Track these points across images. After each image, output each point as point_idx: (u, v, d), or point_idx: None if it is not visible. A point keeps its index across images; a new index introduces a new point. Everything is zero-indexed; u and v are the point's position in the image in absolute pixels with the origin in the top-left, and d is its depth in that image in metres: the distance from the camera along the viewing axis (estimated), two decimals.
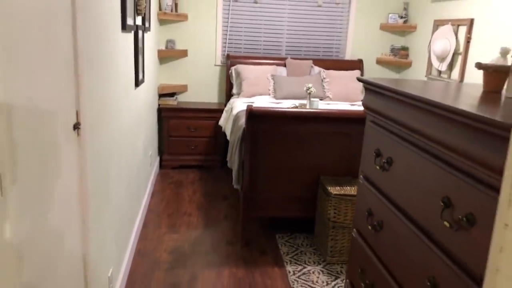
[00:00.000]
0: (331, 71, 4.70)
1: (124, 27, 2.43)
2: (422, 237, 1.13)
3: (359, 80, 1.60)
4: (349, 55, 5.04)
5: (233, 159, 3.23)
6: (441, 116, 1.03)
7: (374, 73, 5.12)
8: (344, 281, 2.62)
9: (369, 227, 1.45)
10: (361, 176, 1.61)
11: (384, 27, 5.00)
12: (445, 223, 1.00)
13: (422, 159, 1.15)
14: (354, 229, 1.67)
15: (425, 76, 4.48)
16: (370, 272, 1.47)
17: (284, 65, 4.74)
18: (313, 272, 2.80)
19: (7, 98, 0.95)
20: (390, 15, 4.95)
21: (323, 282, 2.69)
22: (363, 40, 5.02)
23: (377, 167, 1.41)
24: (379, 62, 5.09)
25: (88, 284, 1.71)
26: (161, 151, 4.66)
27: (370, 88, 1.49)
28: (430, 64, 4.36)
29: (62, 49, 1.35)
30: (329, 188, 2.86)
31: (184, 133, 4.59)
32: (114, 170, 2.24)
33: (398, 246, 1.27)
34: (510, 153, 0.65)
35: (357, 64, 4.94)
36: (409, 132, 1.22)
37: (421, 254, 1.13)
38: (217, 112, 4.53)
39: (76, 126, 1.46)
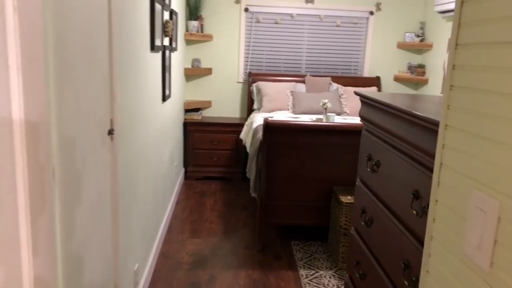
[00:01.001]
0: (349, 88, 4.89)
1: (153, 47, 2.71)
2: (399, 226, 1.31)
3: (355, 93, 1.80)
4: (367, 73, 5.23)
5: (251, 169, 3.45)
6: (406, 119, 1.24)
7: (391, 89, 5.28)
8: None
9: (362, 223, 1.63)
10: (358, 179, 1.80)
11: (401, 46, 5.17)
12: (413, 211, 1.18)
13: (399, 159, 1.34)
14: (353, 227, 1.85)
15: (440, 93, 4.61)
16: (363, 263, 1.64)
17: (303, 82, 4.96)
18: (325, 276, 2.96)
19: (60, 107, 1.20)
20: (407, 34, 5.13)
21: (333, 285, 2.85)
22: (380, 58, 5.20)
23: (368, 170, 1.60)
24: (397, 79, 5.25)
25: (117, 273, 1.94)
26: (186, 163, 4.93)
27: (364, 100, 1.70)
28: (445, 81, 4.49)
29: (101, 67, 1.62)
30: (341, 197, 3.03)
31: (208, 146, 4.86)
32: (141, 175, 2.50)
33: (383, 237, 1.45)
34: (439, 144, 0.84)
35: (375, 81, 5.11)
36: (389, 136, 1.41)
37: (399, 241, 1.31)
38: (239, 126, 4.78)
39: (110, 132, 1.71)
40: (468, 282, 0.74)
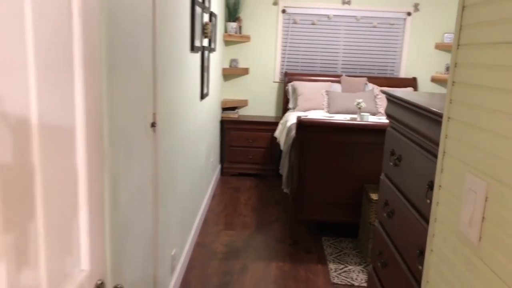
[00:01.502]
0: (385, 88, 4.91)
1: (193, 48, 2.88)
2: (416, 215, 1.39)
3: (382, 92, 1.88)
4: (403, 73, 5.22)
5: (284, 166, 3.56)
6: (423, 115, 1.32)
7: (428, 90, 5.24)
8: None
9: (385, 214, 1.72)
10: (382, 173, 1.88)
11: (440, 46, 5.13)
12: (428, 201, 1.26)
13: (417, 153, 1.42)
14: (377, 220, 1.93)
15: None
16: (385, 253, 1.73)
17: (339, 82, 5.03)
18: (353, 271, 3.04)
19: (110, 100, 1.37)
20: (446, 34, 5.08)
21: (361, 279, 2.92)
22: (417, 58, 5.18)
23: (391, 164, 1.68)
24: (434, 80, 5.21)
25: (156, 255, 2.12)
26: (222, 159, 5.11)
27: (389, 98, 1.78)
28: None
29: (145, 66, 1.79)
30: (371, 195, 3.10)
31: (243, 143, 5.01)
32: (180, 167, 2.67)
33: (402, 227, 1.53)
34: (443, 134, 0.93)
35: (411, 82, 5.10)
36: (409, 131, 1.50)
37: (416, 229, 1.39)
38: (274, 125, 4.91)
39: (153, 125, 1.88)
40: (463, 256, 0.84)
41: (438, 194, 0.95)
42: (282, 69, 5.25)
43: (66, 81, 0.85)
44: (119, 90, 1.46)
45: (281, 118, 4.99)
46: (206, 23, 3.39)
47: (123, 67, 1.51)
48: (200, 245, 3.31)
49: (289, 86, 5.03)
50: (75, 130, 0.89)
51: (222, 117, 5.02)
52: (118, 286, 1.03)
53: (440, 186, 0.94)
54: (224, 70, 5.04)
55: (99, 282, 1.03)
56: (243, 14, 5.07)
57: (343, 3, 5.05)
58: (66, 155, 0.86)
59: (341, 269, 3.06)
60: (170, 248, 2.48)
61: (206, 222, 3.74)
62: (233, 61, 5.16)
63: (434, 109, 1.23)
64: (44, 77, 0.75)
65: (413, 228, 1.43)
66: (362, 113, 4.10)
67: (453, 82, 0.90)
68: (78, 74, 0.90)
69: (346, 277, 2.95)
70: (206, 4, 3.41)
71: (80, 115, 0.92)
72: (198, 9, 2.98)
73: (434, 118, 1.25)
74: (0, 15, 0.63)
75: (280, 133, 4.52)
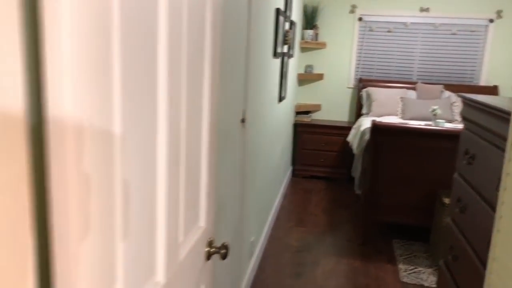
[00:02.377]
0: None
1: (275, 54, 3.13)
2: (487, 208, 1.50)
3: (458, 95, 1.98)
4: (484, 81, 5.10)
5: (356, 168, 3.69)
6: (496, 115, 1.43)
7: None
8: None
9: (457, 209, 1.82)
10: (456, 173, 1.98)
11: None
12: (498, 193, 1.37)
13: (491, 151, 1.52)
14: (449, 217, 2.03)
15: None
16: (456, 247, 1.82)
17: (414, 89, 5.03)
18: (424, 272, 3.09)
19: (218, 99, 1.63)
20: None
21: (431, 281, 2.97)
22: (500, 66, 5.04)
23: (465, 162, 1.78)
24: None
25: (241, 237, 2.36)
26: (294, 162, 5.31)
27: (466, 101, 1.88)
28: None
29: (240, 69, 2.05)
30: (444, 199, 3.13)
31: (316, 147, 5.18)
32: (260, 162, 2.91)
33: (474, 220, 1.63)
34: (511, 129, 1.06)
35: (492, 90, 4.98)
36: (484, 132, 1.60)
37: (487, 221, 1.49)
38: (346, 129, 5.03)
39: (243, 120, 2.14)
40: None
41: (505, 181, 1.08)
42: (357, 75, 5.35)
43: (199, 81, 1.10)
44: (221, 89, 1.72)
45: (354, 123, 5.09)
46: (287, 31, 3.62)
47: (225, 68, 1.77)
48: (273, 238, 3.53)
49: (364, 92, 5.12)
50: (202, 121, 1.14)
51: (295, 120, 5.23)
52: (225, 243, 1.27)
53: (507, 173, 1.07)
54: (299, 75, 5.25)
55: (210, 239, 1.27)
56: (320, 22, 5.26)
57: (421, 10, 5.06)
58: (198, 143, 1.11)
59: (411, 269, 3.13)
60: (250, 235, 2.72)
61: (278, 218, 3.96)
62: (308, 67, 5.36)
63: (505, 109, 1.34)
64: (192, 81, 1.01)
65: (484, 221, 1.53)
66: (437, 120, 4.10)
67: None
68: (207, 75, 1.15)
69: (416, 277, 3.01)
70: (288, 13, 3.65)
71: (206, 111, 1.17)
72: (281, 18, 3.22)
73: (506, 117, 1.36)
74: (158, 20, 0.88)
75: (353, 137, 4.63)
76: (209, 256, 1.25)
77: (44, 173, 0.56)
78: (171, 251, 0.95)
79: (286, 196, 4.60)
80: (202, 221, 1.21)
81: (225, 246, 1.26)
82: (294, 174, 5.30)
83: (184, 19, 0.94)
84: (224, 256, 1.27)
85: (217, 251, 1.26)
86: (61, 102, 0.54)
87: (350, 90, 5.40)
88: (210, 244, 1.27)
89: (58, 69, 0.52)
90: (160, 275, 0.91)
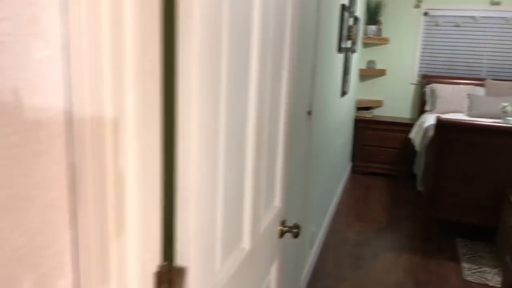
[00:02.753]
0: None
1: (339, 49, 3.18)
2: None
3: None
4: None
5: (419, 165, 3.65)
6: None
7: None
8: None
9: None
10: None
11: None
12: None
13: None
14: None
15: None
16: None
17: (483, 85, 4.85)
18: (489, 272, 3.02)
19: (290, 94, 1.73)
20: None
21: (497, 281, 2.90)
22: None
23: None
24: None
25: (304, 226, 2.46)
26: (354, 158, 5.31)
27: None
28: None
29: (308, 62, 2.14)
30: None
31: (376, 143, 5.15)
32: (323, 154, 2.99)
33: None
34: None
35: None
36: None
37: None
38: (408, 126, 4.95)
39: (309, 112, 2.22)
40: None
41: None
42: (420, 71, 5.25)
43: (279, 74, 1.21)
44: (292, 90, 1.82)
45: (416, 119, 5.00)
46: (351, 26, 3.65)
47: (299, 67, 1.86)
48: (333, 231, 3.59)
49: (428, 88, 5.01)
50: (280, 111, 1.25)
51: (356, 116, 5.22)
52: (297, 223, 1.37)
53: None
54: (361, 70, 5.24)
55: (283, 219, 1.38)
56: (383, 17, 5.20)
57: (492, 3, 4.86)
58: (276, 130, 1.22)
59: (475, 268, 3.07)
60: (311, 225, 2.81)
61: (338, 213, 4.00)
62: (370, 62, 5.32)
63: None
64: (276, 76, 1.11)
65: None
66: (507, 118, 3.95)
67: None
68: (285, 69, 1.26)
69: (480, 277, 2.95)
70: (352, 9, 3.67)
71: (283, 102, 1.27)
72: (345, 14, 3.26)
73: None
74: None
75: (415, 134, 4.56)
76: (281, 234, 1.36)
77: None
78: (255, 222, 1.06)
79: (345, 192, 4.62)
80: (277, 201, 1.32)
81: (297, 226, 1.36)
82: (354, 170, 5.29)
83: (271, 19, 1.05)
84: (296, 235, 1.37)
85: (289, 230, 1.36)
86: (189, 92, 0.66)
87: (413, 86, 5.30)
88: (282, 223, 1.37)
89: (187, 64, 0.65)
90: (245, 242, 1.02)
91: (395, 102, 5.40)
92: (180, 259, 0.72)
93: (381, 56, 5.34)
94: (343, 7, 3.09)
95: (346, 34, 3.49)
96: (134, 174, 0.61)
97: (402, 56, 5.27)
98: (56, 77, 0.54)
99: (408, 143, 4.89)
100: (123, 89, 0.57)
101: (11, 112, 0.49)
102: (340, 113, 3.86)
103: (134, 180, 0.61)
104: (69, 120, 0.57)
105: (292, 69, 1.33)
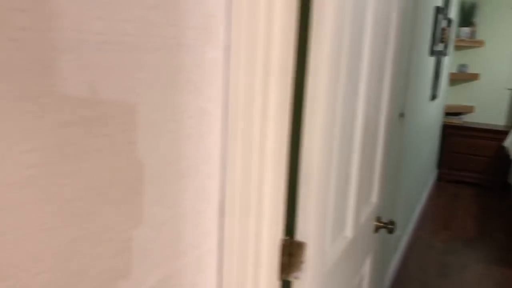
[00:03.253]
0: None
1: (432, 52, 3.12)
2: None
3: None
4: None
5: None
6: None
7: None
8: None
9: None
10: None
11: None
12: None
13: None
14: None
15: None
16: None
17: None
18: None
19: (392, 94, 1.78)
20: None
21: None
22: None
23: None
24: None
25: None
26: (440, 165, 5.11)
27: None
28: None
29: (402, 66, 2.15)
30: None
31: (465, 150, 4.91)
32: (411, 158, 2.95)
33: None
34: None
35: None
36: None
37: None
38: (502, 133, 4.67)
39: (401, 115, 2.24)
40: None
41: None
42: None
43: (382, 76, 1.27)
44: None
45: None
46: (444, 29, 3.55)
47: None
48: (417, 237, 3.52)
49: None
50: (381, 110, 1.31)
51: (444, 121, 5.03)
52: (392, 220, 1.42)
53: None
54: (451, 74, 5.03)
55: (378, 214, 1.43)
56: (478, 19, 4.96)
57: None
58: (376, 127, 1.28)
59: None
60: (396, 228, 2.79)
61: (422, 219, 3.90)
62: (462, 66, 5.10)
63: None
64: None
65: None
66: None
67: None
68: (388, 71, 1.32)
69: None
70: (446, 11, 3.57)
71: (385, 101, 1.33)
72: (439, 16, 3.19)
73: None
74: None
75: (511, 142, 4.30)
76: (377, 229, 1.42)
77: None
78: (357, 213, 1.14)
79: (431, 199, 4.48)
80: (374, 197, 1.38)
81: (392, 222, 1.41)
82: (440, 177, 5.10)
83: (379, 25, 1.12)
84: (391, 231, 1.42)
85: (384, 225, 1.41)
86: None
87: (509, 92, 4.98)
88: (378, 219, 1.43)
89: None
90: (348, 231, 1.10)
91: (488, 108, 5.12)
92: (299, 235, 0.82)
93: (473, 60, 5.09)
94: (438, 9, 3.03)
95: (439, 37, 3.41)
96: (271, 158, 0.72)
97: (497, 60, 4.98)
98: (218, 73, 0.67)
99: (502, 151, 4.61)
100: (268, 84, 0.69)
101: (190, 99, 0.62)
102: (428, 118, 3.77)
103: (270, 163, 0.72)
104: (225, 109, 0.69)
105: (394, 71, 1.38)
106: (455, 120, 5.00)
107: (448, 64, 4.85)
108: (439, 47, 3.57)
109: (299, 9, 0.74)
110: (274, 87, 0.69)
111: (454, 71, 5.16)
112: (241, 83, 0.67)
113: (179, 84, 0.59)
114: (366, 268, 1.39)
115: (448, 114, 5.09)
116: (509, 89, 4.98)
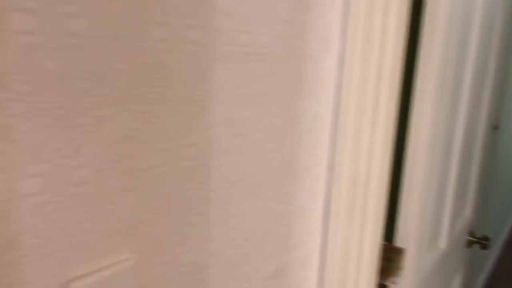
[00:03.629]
0: None
1: None
2: None
3: None
4: None
5: None
6: None
7: None
8: None
9: None
10: None
11: None
12: None
13: None
14: None
15: None
16: None
17: None
18: None
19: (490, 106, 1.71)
20: None
21: None
22: None
23: None
24: None
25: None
26: None
27: None
28: None
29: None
30: None
31: None
32: (504, 174, 2.78)
33: None
34: None
35: None
36: None
37: None
38: None
39: (495, 127, 2.13)
40: None
41: None
42: None
43: (483, 85, 1.23)
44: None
45: None
46: None
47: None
48: (507, 257, 3.29)
49: None
50: (479, 123, 1.27)
51: None
52: (487, 235, 1.36)
53: None
54: None
55: (471, 229, 1.38)
56: None
57: None
58: (474, 140, 1.25)
59: None
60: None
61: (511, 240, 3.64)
62: None
63: None
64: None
65: None
66: None
67: None
68: (488, 83, 1.28)
69: None
70: None
71: (484, 112, 1.29)
72: None
73: None
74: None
75: None
76: (469, 244, 1.37)
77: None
78: (451, 225, 1.12)
79: None
80: (468, 210, 1.33)
81: (487, 238, 1.36)
82: None
83: (483, 38, 1.09)
84: (484, 247, 1.36)
85: (478, 241, 1.36)
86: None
87: None
88: (471, 234, 1.38)
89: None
90: (442, 242, 1.09)
91: None
92: (399, 241, 0.84)
93: None
94: None
95: None
96: (377, 164, 0.74)
97: None
98: (331, 80, 0.71)
99: None
100: (379, 92, 0.71)
101: (306, 105, 0.67)
102: None
103: (376, 169, 0.75)
104: (335, 114, 0.73)
105: (495, 80, 1.34)
106: None
107: None
108: None
109: (408, 24, 0.76)
110: (384, 96, 0.72)
111: None
112: (353, 91, 0.71)
113: (299, 91, 0.64)
114: (456, 283, 1.35)
115: None
116: None
